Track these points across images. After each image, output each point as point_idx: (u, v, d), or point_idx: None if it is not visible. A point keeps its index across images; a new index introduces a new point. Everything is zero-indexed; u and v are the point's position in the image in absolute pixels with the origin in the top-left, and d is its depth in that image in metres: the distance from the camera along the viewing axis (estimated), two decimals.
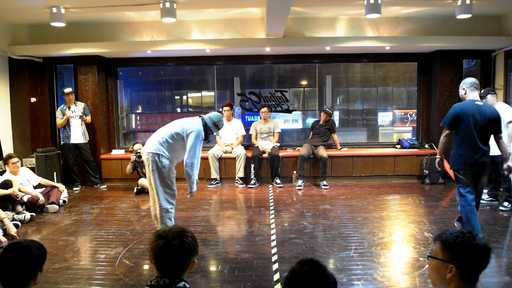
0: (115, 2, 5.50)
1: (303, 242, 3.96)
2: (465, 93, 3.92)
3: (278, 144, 6.99)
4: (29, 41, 6.63)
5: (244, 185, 6.61)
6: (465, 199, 3.66)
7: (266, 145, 6.81)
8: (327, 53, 7.10)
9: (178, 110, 8.28)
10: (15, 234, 4.15)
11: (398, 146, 7.19)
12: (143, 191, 6.23)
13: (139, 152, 6.35)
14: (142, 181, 6.26)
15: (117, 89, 7.53)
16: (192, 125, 3.93)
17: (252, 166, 6.64)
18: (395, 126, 7.88)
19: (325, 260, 3.52)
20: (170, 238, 1.62)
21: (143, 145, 6.55)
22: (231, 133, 6.96)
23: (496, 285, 2.97)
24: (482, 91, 5.25)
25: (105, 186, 6.80)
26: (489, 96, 5.05)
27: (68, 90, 6.46)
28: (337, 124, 7.35)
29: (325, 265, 1.35)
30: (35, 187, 5.47)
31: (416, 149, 6.95)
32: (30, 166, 6.15)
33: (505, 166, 3.76)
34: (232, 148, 6.80)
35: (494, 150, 5.04)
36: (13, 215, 4.60)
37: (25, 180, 5.33)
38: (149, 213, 5.15)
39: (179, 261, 1.63)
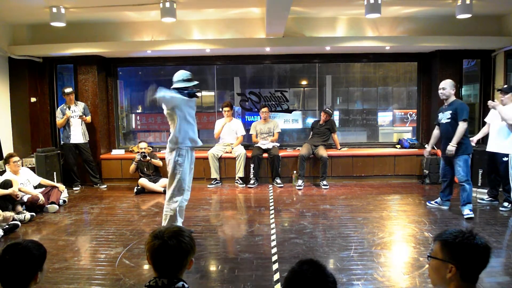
0: (115, 2, 5.51)
1: (303, 242, 3.96)
2: (454, 92, 4.86)
3: (278, 144, 6.99)
4: (29, 41, 6.63)
5: (244, 185, 6.61)
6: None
7: (266, 145, 6.80)
8: (327, 53, 7.10)
9: None
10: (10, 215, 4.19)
11: (398, 146, 7.19)
12: (143, 191, 6.23)
13: (144, 152, 6.36)
14: (142, 181, 6.26)
15: (117, 89, 7.53)
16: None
17: (252, 166, 6.64)
18: (395, 126, 7.87)
19: (325, 260, 3.52)
20: (166, 238, 1.61)
21: (148, 144, 6.61)
22: (231, 133, 6.96)
23: (496, 285, 2.97)
24: (505, 86, 5.22)
25: (105, 186, 6.79)
26: (509, 95, 4.98)
27: (68, 90, 6.46)
28: (337, 124, 7.35)
29: (324, 265, 1.35)
30: (35, 187, 5.47)
31: (416, 149, 6.94)
32: (30, 166, 6.15)
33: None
34: (232, 148, 6.80)
35: (495, 147, 5.07)
36: (13, 215, 4.59)
37: (25, 180, 5.33)
38: (149, 213, 5.19)
39: (176, 261, 1.62)
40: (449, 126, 4.79)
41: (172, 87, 4.05)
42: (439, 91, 4.90)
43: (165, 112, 4.10)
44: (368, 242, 3.92)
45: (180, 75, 4.07)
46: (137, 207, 5.52)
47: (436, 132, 5.17)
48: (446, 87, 4.80)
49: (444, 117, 4.87)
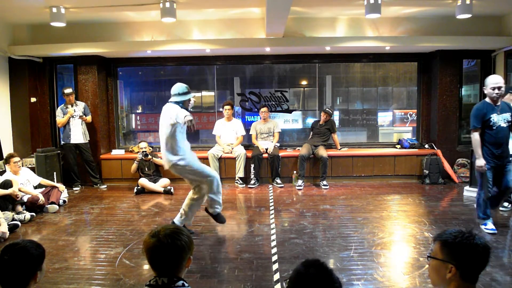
0: (115, 2, 5.50)
1: (303, 242, 3.96)
2: None
3: (279, 144, 6.99)
4: (29, 41, 6.63)
5: (244, 185, 6.61)
6: None
7: (266, 145, 6.81)
8: (327, 53, 7.10)
9: None
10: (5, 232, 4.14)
11: (398, 146, 7.19)
12: (143, 191, 6.23)
13: (145, 151, 6.38)
14: (142, 181, 6.26)
15: (117, 89, 7.53)
16: (170, 112, 3.95)
17: (252, 166, 6.64)
18: (395, 126, 7.87)
19: (325, 260, 3.51)
20: (161, 236, 1.63)
21: (148, 144, 6.63)
22: (231, 133, 6.96)
23: (496, 285, 2.97)
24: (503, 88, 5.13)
25: (105, 186, 6.79)
26: (508, 95, 4.82)
27: (68, 90, 6.46)
28: (337, 124, 7.35)
29: (331, 268, 1.32)
30: (35, 187, 5.47)
31: (416, 149, 6.95)
32: (30, 166, 6.15)
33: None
34: (232, 148, 6.80)
35: None
36: (13, 215, 4.59)
37: (25, 180, 5.33)
38: (149, 213, 5.19)
39: (170, 259, 1.63)
40: (509, 130, 4.18)
41: (170, 100, 4.10)
42: (496, 91, 4.05)
43: (169, 127, 3.99)
44: (368, 242, 3.92)
45: (177, 89, 4.09)
46: (137, 207, 5.52)
47: (478, 136, 4.19)
48: (502, 85, 4.07)
49: (503, 119, 4.13)
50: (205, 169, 4.18)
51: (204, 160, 6.71)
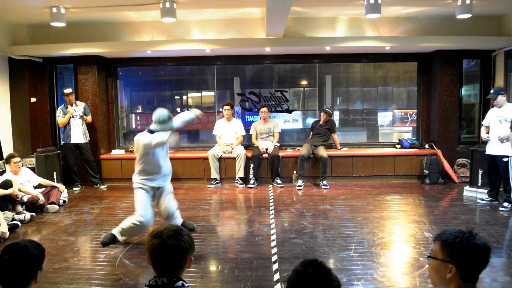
0: (115, 2, 5.50)
1: (303, 242, 3.96)
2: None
3: (279, 144, 6.99)
4: (29, 41, 6.63)
5: (244, 185, 6.61)
6: None
7: (266, 145, 6.81)
8: (327, 53, 7.09)
9: (178, 110, 8.26)
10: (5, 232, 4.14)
11: (398, 146, 7.19)
12: None
13: None
14: None
15: (117, 89, 7.52)
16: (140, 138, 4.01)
17: (252, 166, 6.64)
18: (395, 126, 7.87)
19: (325, 260, 3.50)
20: (165, 237, 1.63)
21: None
22: (231, 133, 6.96)
23: (496, 285, 2.97)
24: (491, 92, 5.18)
25: (105, 186, 6.79)
26: (499, 97, 4.97)
27: (68, 90, 6.46)
28: (337, 124, 7.35)
29: (329, 267, 1.33)
30: (35, 187, 5.47)
31: (416, 149, 6.94)
32: (30, 166, 6.14)
33: None
34: (232, 148, 6.80)
35: (495, 150, 5.08)
36: (13, 215, 4.59)
37: (25, 180, 5.32)
38: None
39: (174, 260, 1.63)
40: None
41: (151, 128, 4.06)
42: None
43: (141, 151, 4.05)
44: (368, 242, 3.92)
45: (158, 117, 3.99)
46: None
47: None
48: None
49: None
50: (142, 211, 3.89)
51: (204, 160, 6.74)
